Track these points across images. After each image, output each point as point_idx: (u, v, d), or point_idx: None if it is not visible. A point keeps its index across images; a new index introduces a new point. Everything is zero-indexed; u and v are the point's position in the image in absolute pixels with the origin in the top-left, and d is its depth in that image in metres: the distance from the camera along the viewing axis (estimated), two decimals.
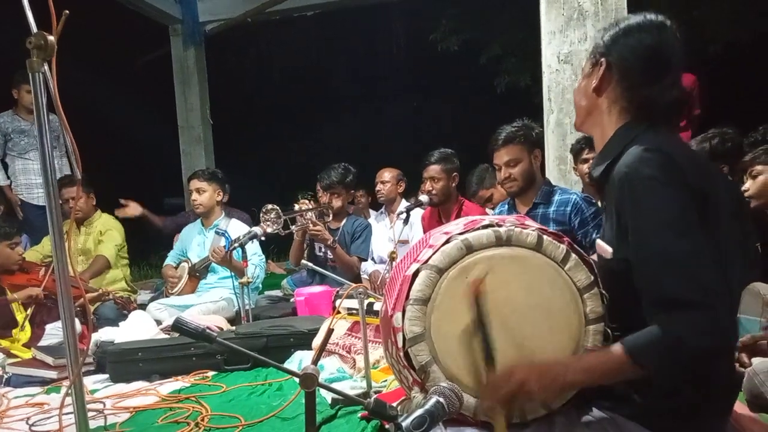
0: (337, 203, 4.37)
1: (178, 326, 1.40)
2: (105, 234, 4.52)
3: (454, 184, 3.97)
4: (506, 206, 3.27)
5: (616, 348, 1.23)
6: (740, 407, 1.62)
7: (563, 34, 4.02)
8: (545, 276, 1.39)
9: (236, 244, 3.63)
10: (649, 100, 1.36)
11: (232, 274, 3.97)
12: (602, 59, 1.40)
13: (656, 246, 1.21)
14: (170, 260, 4.52)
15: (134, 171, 11.87)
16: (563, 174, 4.07)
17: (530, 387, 1.24)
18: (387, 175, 4.75)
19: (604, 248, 1.36)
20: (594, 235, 2.78)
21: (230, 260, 3.89)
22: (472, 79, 10.95)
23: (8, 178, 5.23)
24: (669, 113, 1.38)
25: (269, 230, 3.85)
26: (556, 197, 3.02)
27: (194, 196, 4.28)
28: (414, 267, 1.41)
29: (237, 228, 4.26)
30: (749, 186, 2.65)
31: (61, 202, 4.63)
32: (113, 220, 4.63)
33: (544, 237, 1.40)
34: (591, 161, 3.70)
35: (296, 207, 4.17)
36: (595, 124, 1.46)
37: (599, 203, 3.29)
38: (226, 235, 4.11)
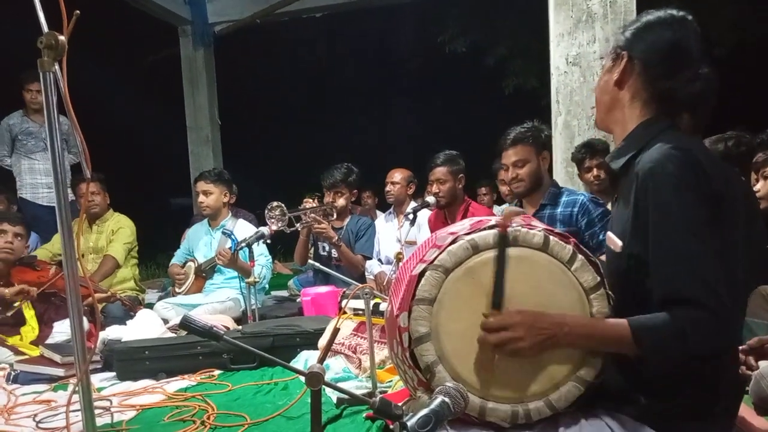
0: (340, 202, 4.37)
1: (186, 324, 1.41)
2: (116, 233, 4.53)
3: (460, 186, 3.97)
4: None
5: (623, 323, 1.26)
6: (747, 411, 1.61)
7: (572, 36, 4.02)
8: (552, 276, 1.39)
9: (243, 245, 3.65)
10: (670, 93, 1.38)
11: (239, 274, 3.99)
12: (623, 53, 1.42)
13: (673, 245, 1.22)
14: (177, 259, 4.54)
15: (142, 171, 11.94)
16: (571, 176, 4.06)
17: (521, 345, 1.28)
18: (398, 176, 4.72)
19: (614, 241, 1.36)
20: (601, 236, 2.77)
21: (236, 262, 3.90)
22: (480, 81, 10.96)
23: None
24: (691, 106, 1.40)
25: (274, 227, 3.87)
26: (563, 198, 3.03)
27: (201, 198, 4.30)
28: (420, 267, 1.41)
29: (243, 229, 4.27)
30: (761, 187, 2.63)
31: (72, 198, 4.64)
32: (125, 219, 4.65)
33: (551, 237, 1.39)
34: (595, 169, 3.72)
35: (302, 206, 4.19)
36: (616, 119, 1.47)
37: (608, 205, 3.29)
38: (233, 236, 4.13)
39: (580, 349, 1.34)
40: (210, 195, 4.29)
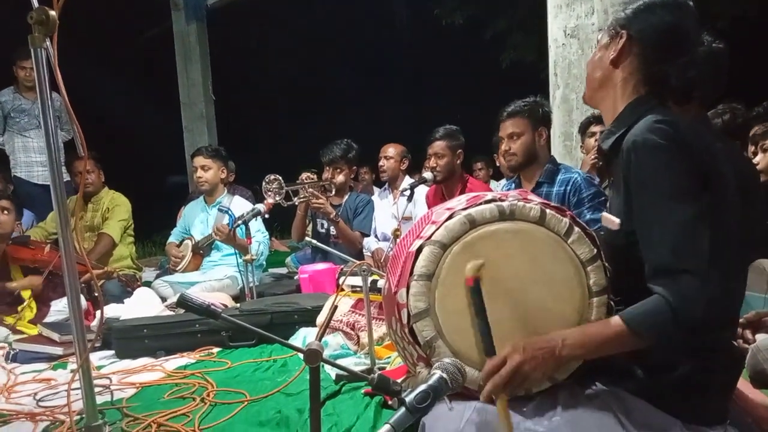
0: (339, 178, 4.35)
1: (183, 302, 1.40)
2: (112, 210, 4.51)
3: (458, 161, 3.94)
4: (512, 185, 3.27)
5: (615, 319, 1.25)
6: (743, 384, 1.62)
7: (570, 8, 3.96)
8: (548, 249, 1.39)
9: (240, 222, 3.63)
10: (665, 76, 1.37)
11: (236, 251, 3.98)
12: (623, 31, 1.40)
13: (657, 213, 1.23)
14: (173, 238, 4.52)
15: (137, 149, 11.85)
16: (569, 150, 4.04)
17: (526, 369, 1.25)
18: (391, 150, 4.68)
19: (611, 220, 1.36)
20: (588, 216, 2.76)
21: (234, 238, 3.89)
22: (477, 54, 10.85)
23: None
24: (683, 92, 1.39)
25: (271, 200, 3.85)
26: (559, 176, 3.00)
27: (199, 173, 4.27)
28: (417, 243, 1.41)
29: (240, 205, 4.26)
30: (760, 160, 2.62)
31: (68, 179, 4.59)
32: (120, 197, 4.62)
33: (547, 211, 1.39)
34: (597, 134, 3.71)
35: (299, 179, 4.16)
36: (606, 96, 1.46)
37: (603, 184, 3.28)
38: (230, 212, 4.11)
39: (584, 359, 1.32)
40: (208, 170, 4.27)
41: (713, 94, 2.23)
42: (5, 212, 3.77)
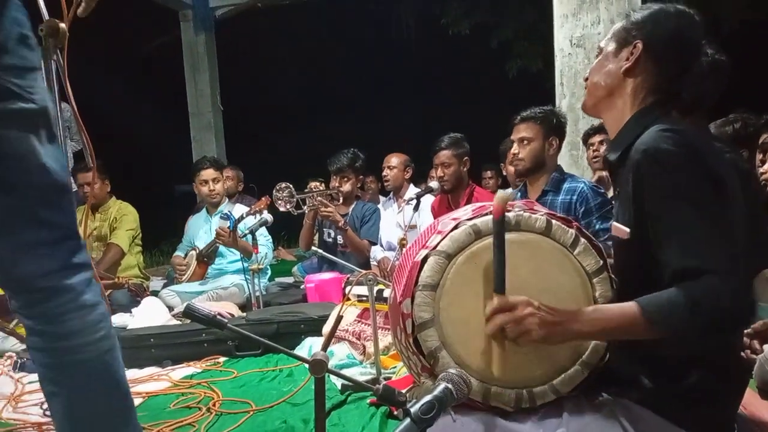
0: (346, 187, 4.36)
1: (190, 312, 1.40)
2: (119, 220, 4.53)
3: (465, 169, 3.94)
4: (518, 194, 3.26)
5: (632, 305, 1.21)
6: (751, 395, 1.61)
7: (576, 17, 3.97)
8: (554, 261, 1.38)
9: (247, 232, 3.65)
10: (679, 86, 1.38)
11: (241, 257, 3.99)
12: (637, 42, 1.38)
13: (675, 219, 1.21)
14: (179, 252, 4.56)
15: (145, 158, 11.92)
16: (575, 159, 4.04)
17: (530, 321, 1.23)
18: (394, 160, 4.71)
19: (622, 229, 1.35)
20: (598, 226, 2.75)
21: (237, 240, 3.90)
22: (484, 63, 10.88)
23: None
24: (693, 101, 1.40)
25: (282, 209, 3.87)
26: (565, 185, 2.99)
27: (211, 186, 4.29)
28: (423, 253, 1.41)
29: (240, 209, 4.28)
30: (767, 169, 2.59)
31: (75, 188, 4.63)
32: (128, 206, 4.64)
33: (553, 222, 1.39)
34: (596, 144, 3.73)
35: (307, 188, 4.18)
36: (612, 106, 1.44)
37: (609, 193, 3.27)
38: (231, 216, 4.14)
39: (590, 340, 1.32)
40: (218, 182, 4.32)
41: (711, 104, 2.24)
42: None
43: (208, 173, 4.30)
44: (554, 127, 3.04)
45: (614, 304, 1.30)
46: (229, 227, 3.94)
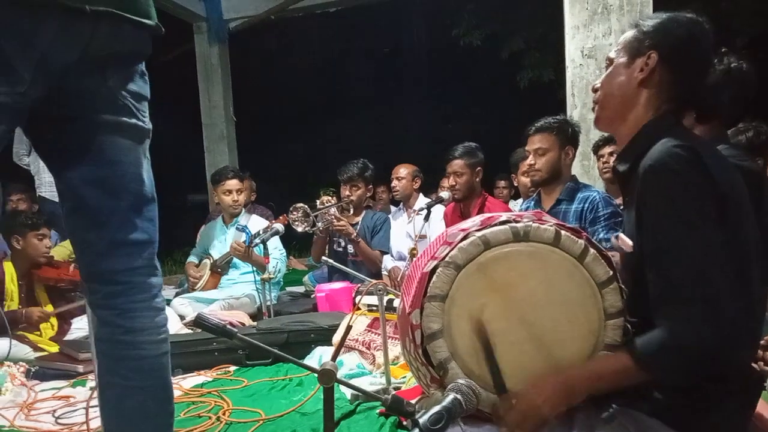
0: (356, 196, 4.38)
1: (200, 322, 1.41)
2: None
3: (477, 179, 3.93)
4: (532, 203, 3.26)
5: (624, 354, 1.26)
6: (764, 407, 1.59)
7: (587, 28, 3.98)
8: (564, 271, 1.38)
9: (257, 240, 3.66)
10: (696, 96, 1.38)
11: (254, 269, 4.01)
12: (652, 52, 1.37)
13: (669, 239, 1.21)
14: (192, 258, 4.57)
15: (158, 168, 11.98)
16: (586, 170, 4.03)
17: (542, 411, 1.26)
18: (403, 171, 4.75)
19: (626, 242, 1.35)
20: (602, 235, 2.74)
21: (251, 255, 3.92)
22: (495, 73, 10.88)
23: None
24: (710, 110, 1.40)
25: (299, 229, 3.89)
26: (579, 195, 2.99)
27: (234, 196, 4.32)
28: (432, 264, 1.41)
29: (257, 223, 4.31)
30: None
31: None
32: None
33: (562, 232, 1.38)
34: (606, 155, 3.72)
35: (318, 203, 4.19)
36: (625, 117, 1.43)
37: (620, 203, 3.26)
38: (247, 230, 4.15)
39: (597, 393, 1.32)
40: (241, 193, 4.37)
41: (735, 112, 2.24)
42: (45, 239, 3.82)
43: (233, 183, 4.32)
44: (569, 137, 3.04)
45: (609, 358, 1.33)
46: (245, 242, 3.96)
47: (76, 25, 1.19)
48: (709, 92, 1.40)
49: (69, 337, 3.51)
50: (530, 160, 3.05)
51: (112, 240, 1.35)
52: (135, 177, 1.37)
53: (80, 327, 3.52)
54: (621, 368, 1.25)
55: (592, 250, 1.38)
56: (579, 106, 4.02)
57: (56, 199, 5.45)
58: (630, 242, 1.33)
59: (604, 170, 3.87)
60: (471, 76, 12.70)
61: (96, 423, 1.97)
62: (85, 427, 2.08)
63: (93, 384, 1.79)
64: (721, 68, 2.08)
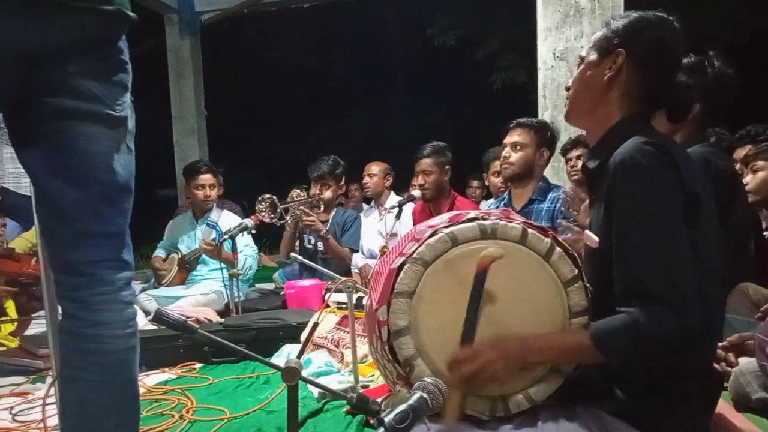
0: (327, 194, 4.34)
1: (160, 317, 1.39)
2: None
3: (446, 178, 3.94)
4: (502, 203, 3.29)
5: (583, 332, 1.29)
6: (726, 407, 1.61)
7: (559, 30, 4.01)
8: (529, 269, 1.38)
9: (227, 236, 3.61)
10: (665, 95, 1.39)
11: (223, 265, 3.95)
12: (620, 50, 1.38)
13: (636, 233, 1.23)
14: (159, 251, 4.49)
15: None
16: (556, 171, 4.06)
17: (495, 368, 1.28)
18: (374, 168, 4.75)
19: (591, 238, 1.35)
20: None
21: (220, 252, 3.87)
22: (469, 75, 10.95)
23: None
24: (682, 111, 1.42)
25: (266, 220, 3.84)
26: (551, 194, 3.05)
27: (207, 191, 4.26)
28: (399, 260, 1.40)
29: (228, 220, 4.25)
30: (749, 180, 2.62)
31: None
32: None
33: (529, 230, 1.39)
34: (574, 159, 3.76)
35: (288, 197, 4.16)
36: (595, 115, 1.44)
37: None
38: (217, 227, 4.09)
39: (551, 364, 1.35)
40: (214, 188, 4.31)
41: (715, 115, 2.28)
42: (4, 228, 3.71)
43: (206, 178, 4.26)
44: (547, 140, 3.10)
45: (567, 332, 1.37)
46: (214, 239, 3.91)
47: (34, 12, 1.17)
48: (680, 91, 1.41)
49: (29, 332, 3.42)
50: (505, 152, 3.09)
51: (77, 231, 1.32)
52: (104, 167, 1.32)
53: (41, 322, 3.43)
54: (576, 344, 1.29)
55: (558, 249, 1.39)
56: (550, 108, 4.05)
57: (20, 191, 5.34)
58: (596, 238, 1.34)
59: (572, 173, 3.91)
60: (445, 76, 12.75)
61: (54, 421, 1.92)
62: (42, 425, 2.03)
63: (53, 381, 1.74)
64: (712, 72, 2.12)
